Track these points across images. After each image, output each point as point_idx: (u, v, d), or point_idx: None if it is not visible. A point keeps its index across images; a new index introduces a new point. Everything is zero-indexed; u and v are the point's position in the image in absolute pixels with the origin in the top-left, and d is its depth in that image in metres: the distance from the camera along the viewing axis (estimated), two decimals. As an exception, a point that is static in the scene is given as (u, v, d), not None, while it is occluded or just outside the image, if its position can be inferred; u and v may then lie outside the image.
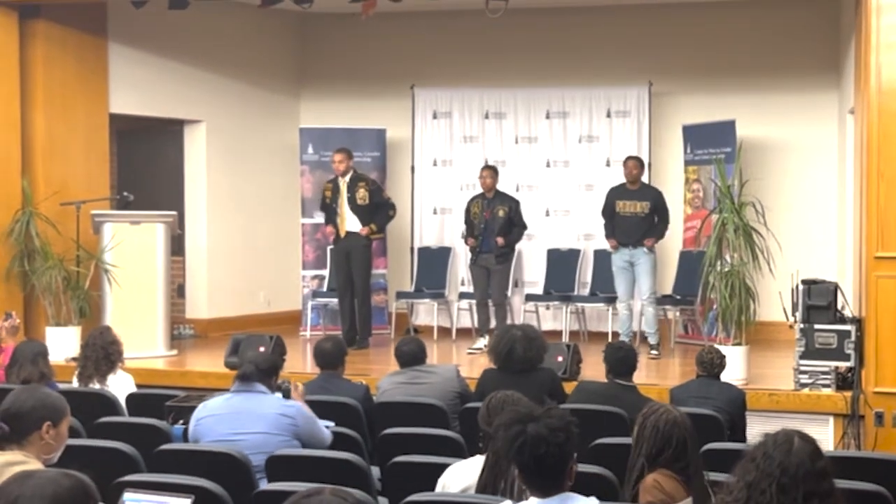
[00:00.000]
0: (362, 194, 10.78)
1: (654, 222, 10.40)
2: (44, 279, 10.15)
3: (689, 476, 4.14)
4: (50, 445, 3.83)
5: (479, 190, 10.93)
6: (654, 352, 10.18)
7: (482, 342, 10.47)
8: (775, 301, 8.75)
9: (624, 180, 10.52)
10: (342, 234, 10.84)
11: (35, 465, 3.65)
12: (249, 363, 5.94)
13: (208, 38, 12.12)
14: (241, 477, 5.00)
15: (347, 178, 10.86)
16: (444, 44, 12.67)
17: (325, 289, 11.89)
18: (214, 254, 12.20)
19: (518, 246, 11.26)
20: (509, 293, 11.46)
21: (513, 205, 10.70)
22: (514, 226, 10.70)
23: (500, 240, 10.51)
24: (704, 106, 11.77)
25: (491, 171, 10.80)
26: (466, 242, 10.94)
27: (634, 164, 10.50)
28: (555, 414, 3.62)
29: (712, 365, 7.03)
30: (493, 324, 10.58)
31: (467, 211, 10.87)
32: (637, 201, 10.34)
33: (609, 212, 10.49)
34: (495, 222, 10.58)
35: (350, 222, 10.81)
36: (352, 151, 11.14)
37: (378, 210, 10.93)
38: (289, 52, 13.19)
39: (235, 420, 5.57)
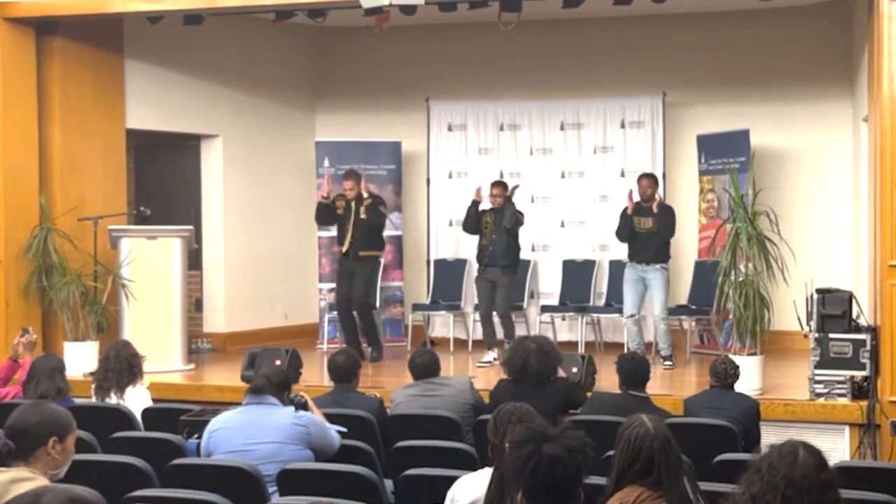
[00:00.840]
0: (363, 212, 10.74)
1: (668, 243, 10.37)
2: (61, 294, 10.20)
3: (665, 488, 3.93)
4: (56, 461, 3.81)
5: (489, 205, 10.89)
6: (668, 363, 10.17)
7: (491, 355, 10.47)
8: (790, 310, 8.71)
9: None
10: (346, 249, 10.83)
11: (41, 481, 3.63)
12: (262, 376, 5.98)
13: (224, 54, 12.19)
14: (253, 490, 5.02)
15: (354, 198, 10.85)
16: (459, 56, 12.71)
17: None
18: (231, 268, 12.26)
19: (533, 257, 11.25)
20: (524, 304, 11.48)
21: (510, 207, 10.61)
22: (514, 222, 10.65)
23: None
24: (718, 115, 11.78)
25: (501, 187, 10.72)
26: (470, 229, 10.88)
27: (648, 184, 10.42)
28: (571, 434, 3.40)
29: (726, 375, 7.02)
30: (500, 334, 10.55)
31: (478, 217, 10.75)
32: (650, 217, 10.29)
33: (627, 223, 10.38)
34: (501, 237, 10.54)
35: (356, 240, 10.76)
36: (360, 175, 11.09)
37: (373, 215, 10.83)
38: (304, 66, 13.26)
39: (248, 431, 5.62)
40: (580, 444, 3.35)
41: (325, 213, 11.02)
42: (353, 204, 10.83)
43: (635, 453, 3.88)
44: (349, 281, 10.84)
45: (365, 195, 10.86)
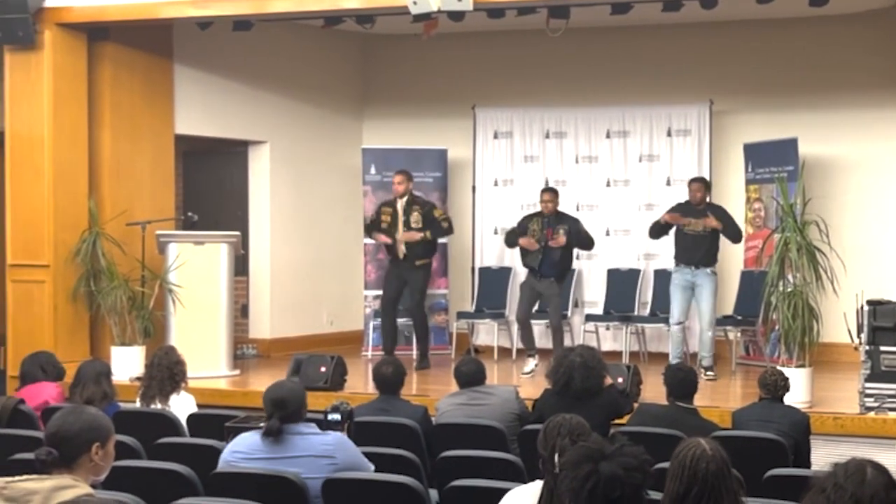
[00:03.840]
0: (416, 217, 10.74)
1: (717, 244, 10.27)
2: (109, 299, 10.28)
3: None
4: (99, 466, 3.78)
5: (538, 209, 10.83)
6: (709, 373, 10.06)
7: (532, 363, 10.42)
8: (839, 322, 8.63)
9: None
10: (400, 256, 10.81)
11: (84, 488, 3.62)
12: (273, 419, 5.26)
13: (272, 60, 12.25)
14: (297, 501, 5.01)
15: (404, 200, 10.84)
16: (505, 64, 12.70)
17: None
18: (277, 274, 12.31)
19: (578, 265, 11.19)
20: (569, 313, 11.43)
21: (573, 225, 10.55)
22: (580, 243, 10.59)
23: (561, 239, 10.41)
24: (766, 124, 11.69)
25: (552, 193, 10.67)
26: (510, 243, 10.76)
27: (698, 187, 10.35)
28: (629, 452, 3.26)
29: (776, 387, 6.88)
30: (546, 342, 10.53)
31: (523, 225, 10.62)
32: (700, 220, 10.20)
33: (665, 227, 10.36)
34: (555, 250, 10.44)
35: (406, 246, 10.75)
36: (411, 174, 11.13)
37: (432, 226, 10.83)
38: (351, 72, 13.29)
39: (271, 463, 5.21)
40: (638, 462, 3.24)
41: (372, 230, 11.03)
42: (399, 209, 10.80)
43: (691, 476, 3.60)
44: (400, 285, 10.84)
45: (417, 196, 10.94)
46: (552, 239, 10.37)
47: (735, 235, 10.41)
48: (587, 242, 10.65)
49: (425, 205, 10.94)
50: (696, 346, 10.49)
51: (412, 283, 10.80)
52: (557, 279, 10.50)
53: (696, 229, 10.22)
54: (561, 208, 10.77)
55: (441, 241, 12.18)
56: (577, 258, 11.91)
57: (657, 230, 10.42)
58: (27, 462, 4.39)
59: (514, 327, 11.64)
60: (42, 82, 10.35)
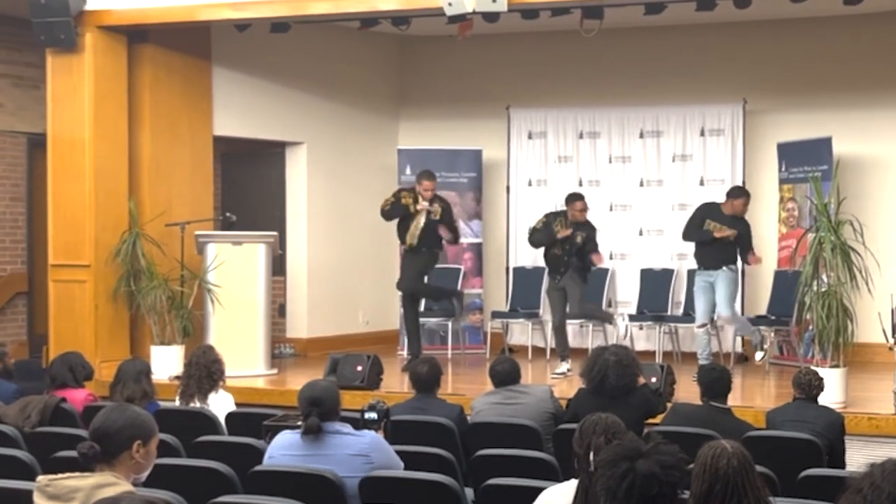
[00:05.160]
0: (436, 209, 10.57)
1: (735, 248, 10.28)
2: (149, 299, 10.41)
3: None
4: (140, 464, 3.80)
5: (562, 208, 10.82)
6: (761, 351, 10.06)
7: (564, 367, 10.44)
8: (874, 322, 8.63)
9: (717, 200, 10.43)
10: (412, 243, 10.65)
11: (125, 485, 3.64)
12: (311, 417, 5.33)
13: (309, 61, 12.36)
14: (335, 499, 5.08)
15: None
16: (539, 64, 12.75)
17: (421, 308, 11.91)
18: (314, 274, 12.41)
19: (611, 265, 11.23)
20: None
21: (591, 232, 10.56)
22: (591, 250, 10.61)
23: (597, 257, 10.47)
24: (799, 123, 11.67)
25: (585, 203, 10.59)
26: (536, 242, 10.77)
27: (746, 202, 10.36)
28: (665, 450, 3.26)
29: (810, 387, 6.84)
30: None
31: (547, 224, 10.61)
32: (727, 228, 10.21)
33: (699, 224, 10.36)
34: (573, 246, 10.45)
35: (422, 233, 10.62)
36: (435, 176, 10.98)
37: (449, 222, 10.78)
38: (387, 73, 13.39)
39: (308, 460, 5.31)
40: (675, 459, 3.24)
41: (395, 209, 10.76)
42: (422, 202, 10.65)
43: (712, 475, 3.61)
44: (414, 269, 10.75)
45: (437, 200, 10.85)
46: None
47: (744, 254, 10.38)
48: (588, 262, 10.62)
49: (445, 203, 10.80)
50: (729, 344, 10.49)
51: (416, 264, 10.68)
52: (580, 270, 10.50)
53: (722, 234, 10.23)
54: (595, 208, 10.80)
55: (475, 240, 12.28)
56: (611, 258, 11.97)
57: (699, 237, 10.40)
58: (69, 460, 4.49)
59: (548, 327, 11.67)
60: (83, 85, 10.48)
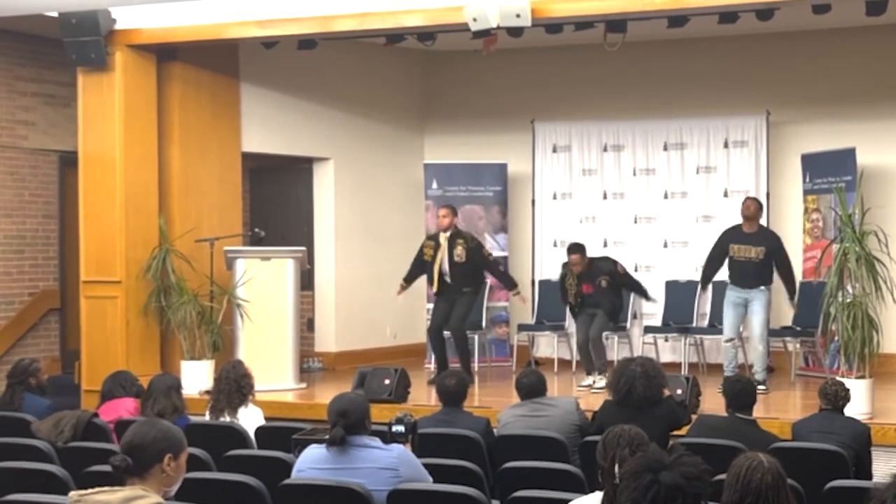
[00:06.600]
0: (459, 251, 10.59)
1: (770, 268, 10.12)
2: (179, 314, 10.50)
3: None
4: (170, 478, 3.84)
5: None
6: (761, 387, 10.02)
7: (590, 379, 10.48)
8: (900, 333, 8.64)
9: (738, 221, 10.37)
10: (438, 288, 10.72)
11: (155, 498, 3.70)
12: (336, 427, 5.31)
13: (335, 78, 12.47)
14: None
15: (448, 233, 10.72)
16: (563, 78, 12.83)
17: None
18: (342, 288, 12.50)
19: (636, 277, 11.25)
20: (627, 325, 11.52)
21: (610, 267, 10.59)
22: (629, 284, 10.71)
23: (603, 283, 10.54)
24: (823, 134, 11.68)
25: (580, 254, 10.49)
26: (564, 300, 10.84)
27: (753, 202, 10.31)
28: (689, 461, 3.26)
29: (836, 397, 6.83)
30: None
31: (561, 278, 10.71)
32: (752, 246, 10.08)
33: (720, 253, 10.31)
34: (599, 293, 10.47)
35: (455, 280, 10.64)
36: (456, 209, 11.10)
37: (485, 267, 10.80)
38: (413, 89, 13.48)
39: (336, 474, 5.31)
40: (698, 470, 3.24)
41: (414, 269, 10.97)
42: (443, 242, 10.70)
43: (745, 486, 3.65)
44: (447, 310, 10.72)
45: (461, 230, 10.92)
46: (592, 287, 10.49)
47: (791, 286, 10.26)
48: (635, 283, 10.80)
49: (472, 240, 10.79)
50: (752, 359, 10.49)
51: (458, 305, 10.68)
52: (607, 312, 10.57)
53: (746, 255, 10.12)
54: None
55: (501, 253, 12.35)
56: (636, 270, 11.99)
57: (714, 266, 10.42)
58: (102, 474, 4.56)
59: (574, 340, 11.70)
60: (114, 103, 10.62)
